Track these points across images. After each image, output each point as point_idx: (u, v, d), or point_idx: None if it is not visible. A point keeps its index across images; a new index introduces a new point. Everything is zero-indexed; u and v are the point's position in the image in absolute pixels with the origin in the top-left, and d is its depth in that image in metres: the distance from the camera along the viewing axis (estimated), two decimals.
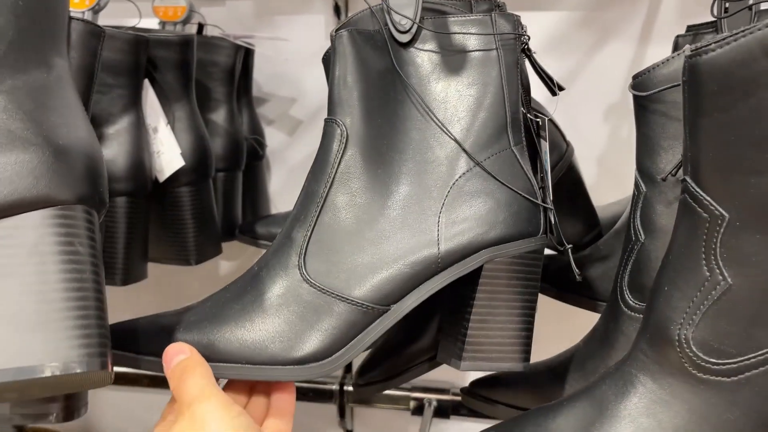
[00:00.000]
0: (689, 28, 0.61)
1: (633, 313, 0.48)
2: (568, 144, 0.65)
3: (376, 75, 0.47)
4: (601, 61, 0.83)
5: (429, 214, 0.44)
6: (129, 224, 0.61)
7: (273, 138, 0.92)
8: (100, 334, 0.34)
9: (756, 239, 0.35)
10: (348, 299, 0.42)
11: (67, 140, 0.36)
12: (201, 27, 0.82)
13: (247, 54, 0.83)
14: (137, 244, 0.63)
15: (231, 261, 0.96)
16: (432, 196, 0.44)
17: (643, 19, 0.81)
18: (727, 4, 0.55)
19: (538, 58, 0.83)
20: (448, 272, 0.43)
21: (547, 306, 0.68)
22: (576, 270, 0.48)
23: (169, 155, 0.64)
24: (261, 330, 0.41)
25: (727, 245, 0.35)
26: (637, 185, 0.49)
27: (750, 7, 0.54)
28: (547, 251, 0.72)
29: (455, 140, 0.45)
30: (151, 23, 0.82)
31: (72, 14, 0.63)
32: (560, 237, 0.50)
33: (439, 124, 0.46)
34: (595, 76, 0.83)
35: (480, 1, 0.51)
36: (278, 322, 0.41)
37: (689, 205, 0.37)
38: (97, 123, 0.60)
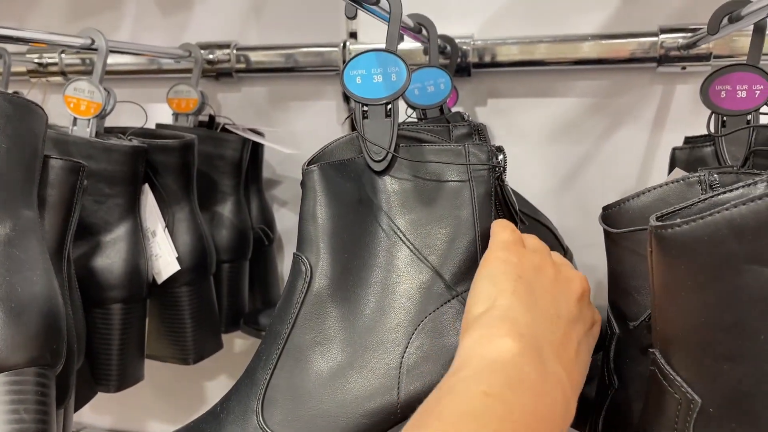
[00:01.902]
0: (687, 140, 0.59)
1: None
2: (566, 250, 0.63)
3: (347, 208, 0.47)
4: (614, 148, 0.81)
5: (393, 356, 0.43)
6: (123, 330, 0.62)
7: (285, 220, 0.93)
8: None
9: (731, 430, 0.32)
10: None
11: (22, 300, 0.37)
12: (212, 118, 0.84)
13: (257, 143, 0.84)
14: (132, 349, 0.64)
15: (244, 339, 0.96)
16: (396, 338, 0.43)
17: (656, 105, 0.79)
18: (724, 118, 0.53)
19: (548, 146, 0.82)
20: None
21: None
22: None
23: (166, 259, 0.65)
24: None
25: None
26: (609, 324, 0.46)
27: (748, 122, 0.52)
28: None
29: (426, 277, 0.44)
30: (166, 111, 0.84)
31: (78, 120, 0.66)
32: None
33: (410, 259, 0.45)
34: (608, 162, 0.81)
35: (459, 126, 0.51)
36: None
37: (659, 381, 0.34)
38: (94, 231, 0.62)
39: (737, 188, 0.34)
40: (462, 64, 0.80)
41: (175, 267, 0.65)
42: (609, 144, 0.81)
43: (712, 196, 0.34)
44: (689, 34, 0.72)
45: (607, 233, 0.47)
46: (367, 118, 0.47)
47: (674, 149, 0.57)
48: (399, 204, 0.46)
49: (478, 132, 0.49)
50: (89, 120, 0.65)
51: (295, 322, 0.44)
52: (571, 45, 0.77)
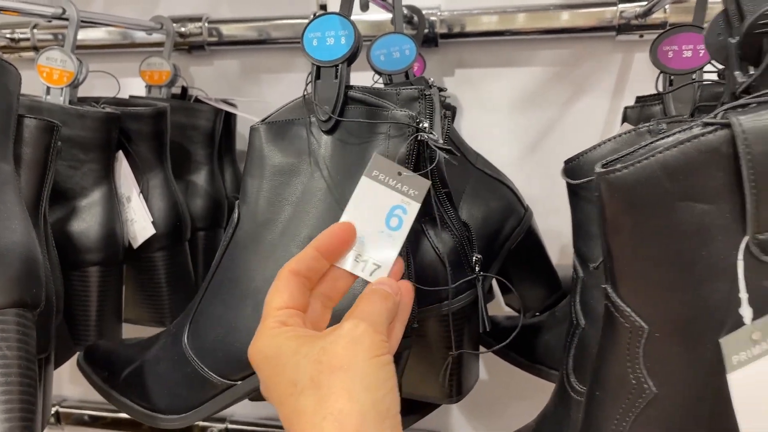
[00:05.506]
0: (638, 99, 0.62)
1: (579, 398, 0.49)
2: (526, 209, 0.66)
3: (288, 164, 0.50)
4: (576, 115, 0.84)
5: None
6: (101, 292, 0.64)
7: None
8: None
9: (676, 351, 0.35)
10: (201, 368, 0.48)
11: (2, 246, 0.39)
12: (185, 90, 0.86)
13: (229, 114, 0.86)
14: (110, 311, 0.66)
15: None
16: None
17: (616, 73, 0.82)
18: (672, 77, 0.56)
19: (513, 114, 0.84)
20: None
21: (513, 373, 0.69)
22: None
23: (141, 224, 0.67)
24: (149, 379, 0.51)
25: (650, 356, 0.35)
26: (575, 269, 0.49)
27: (693, 80, 0.55)
28: (510, 312, 0.72)
29: None
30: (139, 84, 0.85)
31: (51, 89, 0.68)
32: None
33: (334, 215, 0.47)
34: (571, 129, 0.84)
35: (406, 89, 0.52)
36: (161, 377, 0.50)
37: (611, 313, 0.37)
38: (70, 197, 0.63)
39: (674, 133, 0.36)
40: (429, 34, 0.82)
41: (151, 231, 0.67)
42: (572, 111, 0.84)
43: (651, 143, 0.37)
44: (646, 3, 0.74)
45: (568, 185, 0.50)
46: (319, 78, 0.49)
47: (626, 108, 0.60)
48: (335, 162, 0.49)
49: (424, 96, 0.50)
50: (62, 89, 0.66)
51: (219, 262, 0.49)
52: (535, 15, 0.80)
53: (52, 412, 1.06)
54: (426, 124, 0.48)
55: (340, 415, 0.33)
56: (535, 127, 0.85)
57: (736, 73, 0.37)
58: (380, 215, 0.43)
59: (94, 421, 1.07)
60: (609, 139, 0.47)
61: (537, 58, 0.84)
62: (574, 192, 0.49)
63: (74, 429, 1.09)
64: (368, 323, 0.37)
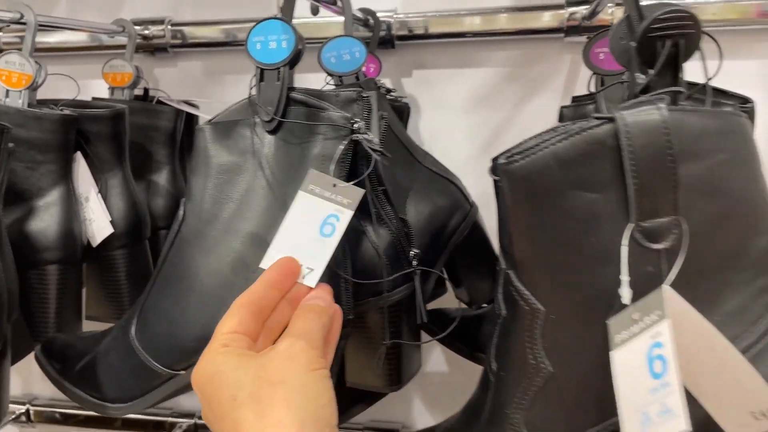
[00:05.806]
0: (574, 99, 0.64)
1: None
2: (471, 204, 0.68)
3: (232, 164, 0.52)
4: (528, 115, 0.86)
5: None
6: (60, 290, 0.66)
7: None
8: None
9: (570, 332, 0.37)
10: (147, 359, 0.50)
11: None
12: (147, 91, 0.87)
13: (191, 115, 0.87)
14: (69, 308, 0.67)
15: None
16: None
17: (565, 73, 0.84)
18: (603, 78, 0.59)
19: (469, 114, 0.87)
20: None
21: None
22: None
23: (99, 223, 0.69)
24: (99, 370, 0.54)
25: (547, 337, 0.38)
26: (499, 262, 0.52)
27: (623, 82, 0.58)
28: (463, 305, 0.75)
29: None
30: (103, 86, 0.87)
31: (10, 92, 0.69)
32: None
33: (276, 215, 0.49)
34: (523, 128, 0.87)
35: (345, 91, 0.54)
36: (110, 368, 0.53)
37: (513, 296, 0.40)
38: (27, 197, 0.65)
39: (575, 126, 0.39)
40: (386, 36, 0.84)
41: (109, 230, 0.69)
42: (524, 111, 0.86)
43: (554, 136, 0.39)
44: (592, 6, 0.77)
45: (494, 182, 0.53)
46: (263, 81, 0.52)
47: (562, 107, 0.63)
48: (277, 160, 0.51)
49: (362, 98, 0.52)
50: (20, 92, 0.68)
51: (166, 257, 0.51)
52: (488, 17, 0.82)
53: (23, 410, 1.07)
54: (361, 125, 0.50)
55: (280, 425, 0.34)
56: (490, 127, 0.88)
57: (637, 74, 0.40)
58: (315, 225, 0.46)
59: (65, 419, 1.09)
60: (532, 138, 0.49)
61: (491, 60, 0.86)
62: (498, 187, 0.51)
63: (46, 427, 1.10)
64: (305, 340, 0.39)
